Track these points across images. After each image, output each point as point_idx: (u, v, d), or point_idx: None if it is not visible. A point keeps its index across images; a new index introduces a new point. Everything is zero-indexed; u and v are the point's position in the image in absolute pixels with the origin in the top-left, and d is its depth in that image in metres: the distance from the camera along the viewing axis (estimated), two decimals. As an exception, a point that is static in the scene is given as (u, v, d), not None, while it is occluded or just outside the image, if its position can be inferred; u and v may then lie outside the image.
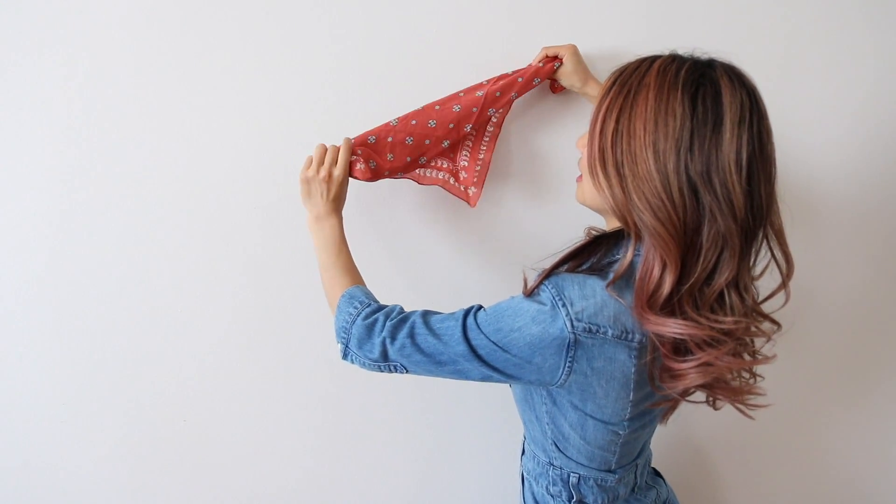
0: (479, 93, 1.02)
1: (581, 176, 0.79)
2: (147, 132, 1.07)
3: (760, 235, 0.69)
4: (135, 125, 1.06)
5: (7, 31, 1.02)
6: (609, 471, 0.87)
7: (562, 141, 1.15)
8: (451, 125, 1.01)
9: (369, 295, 0.88)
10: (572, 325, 0.70)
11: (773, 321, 0.75)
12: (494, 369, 0.75)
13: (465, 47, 1.10)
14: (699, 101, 0.65)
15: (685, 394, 0.76)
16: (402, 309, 0.84)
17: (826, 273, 1.28)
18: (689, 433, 1.35)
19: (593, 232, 0.93)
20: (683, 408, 0.81)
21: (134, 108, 1.06)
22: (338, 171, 0.95)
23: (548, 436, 0.86)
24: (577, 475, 0.87)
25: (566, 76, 1.06)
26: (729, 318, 0.68)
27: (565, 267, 0.76)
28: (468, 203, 1.10)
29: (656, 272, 0.68)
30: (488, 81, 1.04)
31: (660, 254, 0.67)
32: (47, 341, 1.13)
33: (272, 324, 1.16)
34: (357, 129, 1.02)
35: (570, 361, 0.72)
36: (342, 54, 1.08)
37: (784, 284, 0.73)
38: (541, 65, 1.05)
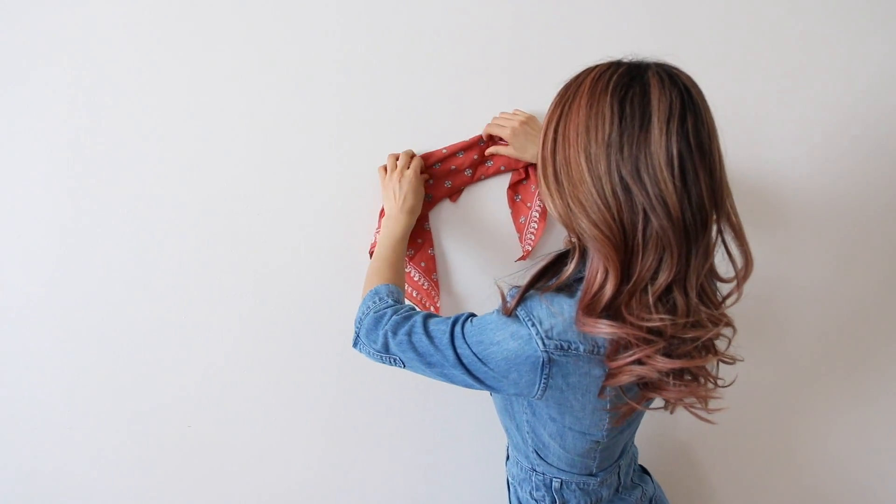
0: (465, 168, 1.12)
1: None
2: (152, 138, 1.08)
3: (707, 233, 0.67)
4: (140, 130, 1.07)
5: (11, 36, 1.03)
6: (590, 475, 0.88)
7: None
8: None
9: (394, 294, 0.91)
10: (544, 344, 0.71)
11: (729, 324, 0.74)
12: (476, 378, 0.77)
13: (470, 51, 1.10)
14: (627, 103, 0.65)
15: (643, 400, 0.76)
16: (412, 308, 0.87)
17: (807, 271, 1.27)
18: (676, 429, 1.36)
19: (573, 240, 0.93)
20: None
21: (139, 114, 1.07)
22: (409, 172, 1.04)
23: (528, 444, 0.88)
24: (559, 480, 0.88)
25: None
26: (656, 317, 0.67)
27: (536, 286, 0.77)
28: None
29: (599, 277, 0.68)
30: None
31: (602, 259, 0.68)
32: (53, 347, 1.14)
33: (277, 330, 1.18)
34: (365, 135, 1.09)
35: (545, 378, 0.73)
36: (349, 60, 1.08)
37: (738, 283, 0.72)
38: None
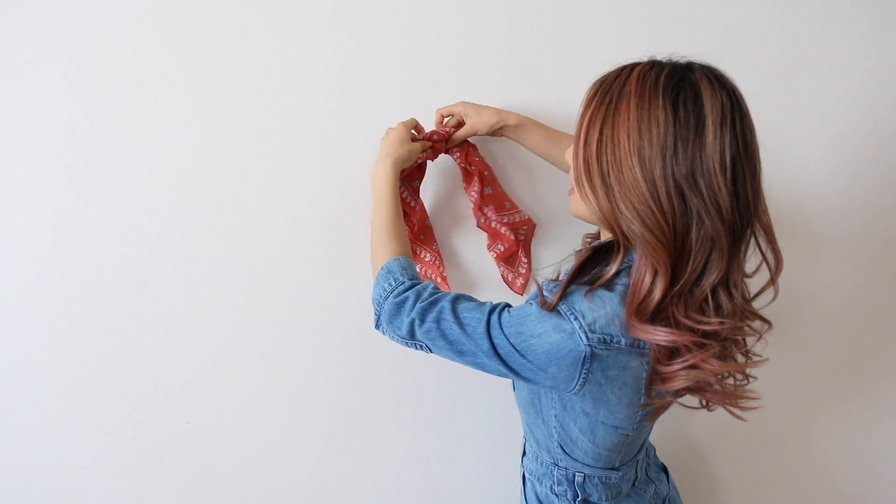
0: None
1: (573, 189, 0.78)
2: (147, 137, 1.06)
3: (749, 233, 0.69)
4: (135, 130, 1.05)
5: (7, 35, 1.01)
6: (613, 468, 0.87)
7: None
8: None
9: (407, 269, 0.88)
10: (587, 338, 0.70)
11: (764, 319, 0.75)
12: (511, 370, 0.76)
13: (467, 50, 1.10)
14: (680, 105, 0.65)
15: (677, 395, 0.76)
16: (434, 289, 0.84)
17: (823, 272, 1.29)
18: (689, 430, 1.37)
19: (587, 239, 0.93)
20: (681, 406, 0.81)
21: (134, 113, 1.05)
22: (397, 124, 1.01)
23: (554, 439, 0.87)
24: (582, 474, 0.88)
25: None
26: (714, 320, 0.68)
27: (576, 282, 0.75)
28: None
29: (647, 280, 0.68)
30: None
31: (650, 261, 0.67)
32: (49, 343, 1.11)
33: (274, 327, 1.15)
34: (361, 135, 1.06)
35: (585, 373, 0.72)
36: (344, 59, 1.07)
37: (773, 280, 0.73)
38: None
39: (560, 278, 0.77)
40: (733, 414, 0.76)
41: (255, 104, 1.08)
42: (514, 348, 0.74)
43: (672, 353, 0.70)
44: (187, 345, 1.14)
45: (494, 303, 0.79)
